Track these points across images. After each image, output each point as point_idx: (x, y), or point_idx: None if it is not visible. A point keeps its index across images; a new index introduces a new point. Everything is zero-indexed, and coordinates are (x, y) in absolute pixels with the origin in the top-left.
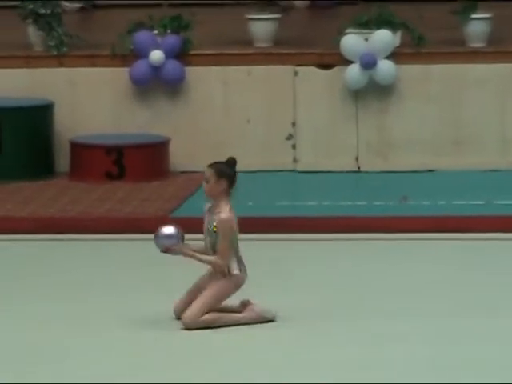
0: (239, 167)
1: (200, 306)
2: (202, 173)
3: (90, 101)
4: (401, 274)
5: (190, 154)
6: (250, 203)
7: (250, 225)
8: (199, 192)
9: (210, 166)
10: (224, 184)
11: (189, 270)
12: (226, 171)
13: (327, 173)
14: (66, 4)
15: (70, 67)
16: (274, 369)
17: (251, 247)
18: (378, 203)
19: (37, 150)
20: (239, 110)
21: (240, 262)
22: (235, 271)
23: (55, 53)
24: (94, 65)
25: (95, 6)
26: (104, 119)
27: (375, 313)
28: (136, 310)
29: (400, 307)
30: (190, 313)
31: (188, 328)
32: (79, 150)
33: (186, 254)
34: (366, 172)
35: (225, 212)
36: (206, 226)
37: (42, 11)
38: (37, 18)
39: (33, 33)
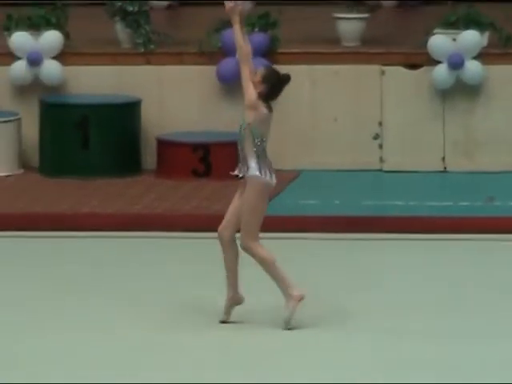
0: (326, 165)
1: (246, 229)
2: (291, 171)
3: (176, 98)
4: (489, 273)
5: (277, 151)
6: (337, 202)
7: (337, 223)
8: (285, 190)
9: (267, 68)
10: (263, 89)
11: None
12: (272, 80)
13: (413, 172)
14: (154, 1)
15: (158, 65)
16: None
17: (337, 246)
18: (463, 203)
19: (124, 147)
20: (326, 108)
21: (263, 165)
22: (254, 172)
23: (142, 50)
24: (181, 62)
25: (182, 4)
26: (191, 117)
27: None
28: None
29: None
30: (243, 240)
31: (248, 251)
32: (166, 147)
33: (235, 22)
34: (453, 172)
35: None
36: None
37: (130, 9)
38: (125, 15)
39: (120, 30)
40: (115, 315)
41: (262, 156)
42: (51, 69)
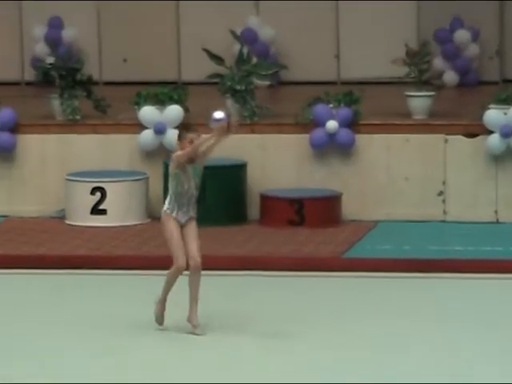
0: (398, 217)
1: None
2: (370, 221)
3: (276, 161)
4: None
5: (358, 205)
6: (407, 247)
7: (407, 265)
8: (367, 237)
9: (195, 130)
10: None
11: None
12: None
13: (471, 223)
14: (258, 81)
15: (261, 133)
16: None
17: (407, 283)
18: None
19: (233, 201)
20: (399, 170)
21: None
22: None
23: (248, 121)
24: (280, 132)
25: (281, 83)
26: (288, 176)
27: None
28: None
29: None
30: (198, 255)
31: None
32: (267, 201)
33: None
34: (504, 223)
35: None
36: (190, 172)
37: (238, 87)
38: (234, 92)
39: (230, 105)
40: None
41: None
42: (174, 137)
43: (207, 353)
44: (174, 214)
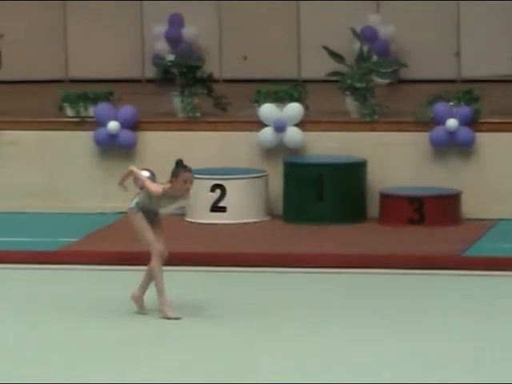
0: None
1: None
2: (490, 220)
3: (396, 159)
4: None
5: (478, 204)
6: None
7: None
8: (487, 235)
9: (190, 170)
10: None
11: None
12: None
13: None
14: (378, 79)
15: (381, 131)
16: None
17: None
18: None
19: (352, 199)
20: None
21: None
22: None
23: (368, 119)
24: (400, 130)
25: (400, 81)
26: (408, 174)
27: None
28: None
29: None
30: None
31: None
32: (387, 199)
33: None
34: None
35: None
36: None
37: (359, 85)
38: (354, 90)
39: (350, 103)
40: None
41: None
42: (293, 134)
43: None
44: (140, 213)
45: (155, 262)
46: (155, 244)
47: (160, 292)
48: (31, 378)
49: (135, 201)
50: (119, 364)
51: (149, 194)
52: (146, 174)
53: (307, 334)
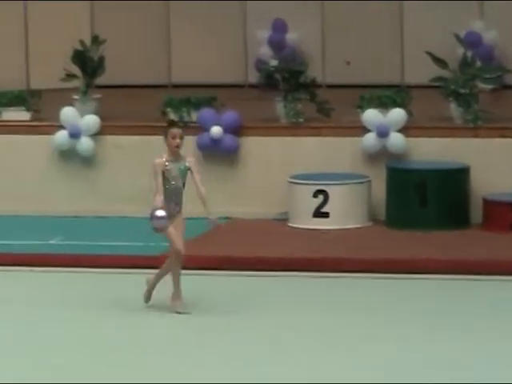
0: None
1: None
2: None
3: (500, 165)
4: None
5: None
6: None
7: None
8: None
9: (179, 126)
10: None
11: None
12: None
13: None
14: (481, 85)
15: (484, 137)
16: None
17: None
18: None
19: (455, 205)
20: None
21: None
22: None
23: (472, 125)
24: (503, 135)
25: (505, 87)
26: (511, 180)
27: None
28: None
29: None
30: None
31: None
32: (490, 205)
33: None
34: None
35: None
36: (175, 172)
37: (462, 91)
38: (457, 96)
39: (454, 109)
40: None
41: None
42: (396, 140)
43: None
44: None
45: (171, 258)
46: (175, 243)
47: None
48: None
49: None
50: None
51: (155, 175)
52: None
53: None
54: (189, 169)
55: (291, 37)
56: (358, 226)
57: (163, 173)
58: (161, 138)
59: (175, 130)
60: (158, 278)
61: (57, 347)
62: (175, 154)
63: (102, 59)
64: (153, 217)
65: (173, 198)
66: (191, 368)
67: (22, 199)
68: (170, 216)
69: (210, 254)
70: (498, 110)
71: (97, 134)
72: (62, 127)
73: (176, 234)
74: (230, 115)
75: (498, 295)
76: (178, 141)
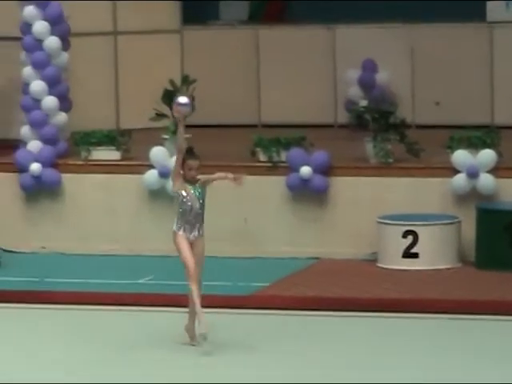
0: None
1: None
2: None
3: None
4: None
5: None
6: None
7: None
8: None
9: (196, 157)
10: None
11: None
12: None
13: None
14: None
15: None
16: None
17: None
18: None
19: None
20: None
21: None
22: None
23: None
24: None
25: None
26: None
27: None
28: None
29: None
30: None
31: None
32: None
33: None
34: None
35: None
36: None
37: None
38: None
39: None
40: None
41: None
42: (486, 181)
43: None
44: (180, 232)
45: (191, 283)
46: (189, 260)
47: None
48: None
49: (175, 221)
50: None
51: (175, 195)
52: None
53: None
54: (202, 187)
55: (381, 77)
56: (448, 266)
57: (177, 194)
58: (252, 177)
59: (192, 163)
60: (192, 316)
61: None
62: (191, 181)
63: (191, 99)
64: (176, 103)
65: (191, 220)
66: None
67: (114, 238)
68: (189, 240)
69: (298, 295)
70: None
71: None
72: (151, 167)
73: (189, 251)
74: (319, 155)
75: None
76: (193, 173)
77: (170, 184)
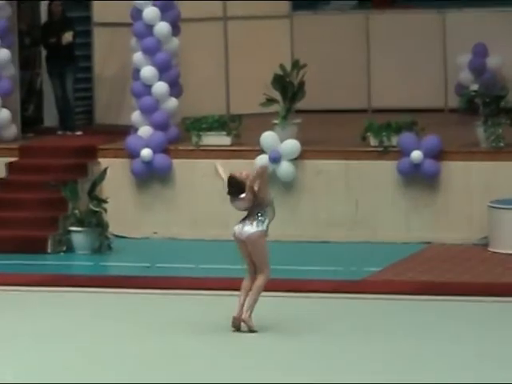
0: None
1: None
2: None
3: None
4: None
5: None
6: None
7: None
8: None
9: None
10: None
11: None
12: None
13: None
14: None
15: None
16: None
17: None
18: None
19: None
20: None
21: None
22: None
23: None
24: None
25: None
26: None
27: None
28: None
29: None
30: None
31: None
32: None
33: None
34: None
35: None
36: None
37: None
38: None
39: None
40: None
41: None
42: None
43: None
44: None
45: (264, 281)
46: (269, 268)
47: (252, 307)
48: None
49: (266, 223)
50: None
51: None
52: None
53: None
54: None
55: (492, 61)
56: None
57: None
58: (363, 162)
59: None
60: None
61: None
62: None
63: (302, 84)
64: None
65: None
66: None
67: (224, 223)
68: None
69: (410, 280)
70: None
71: (297, 159)
72: (262, 152)
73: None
74: (430, 140)
75: None
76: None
77: (281, 169)
